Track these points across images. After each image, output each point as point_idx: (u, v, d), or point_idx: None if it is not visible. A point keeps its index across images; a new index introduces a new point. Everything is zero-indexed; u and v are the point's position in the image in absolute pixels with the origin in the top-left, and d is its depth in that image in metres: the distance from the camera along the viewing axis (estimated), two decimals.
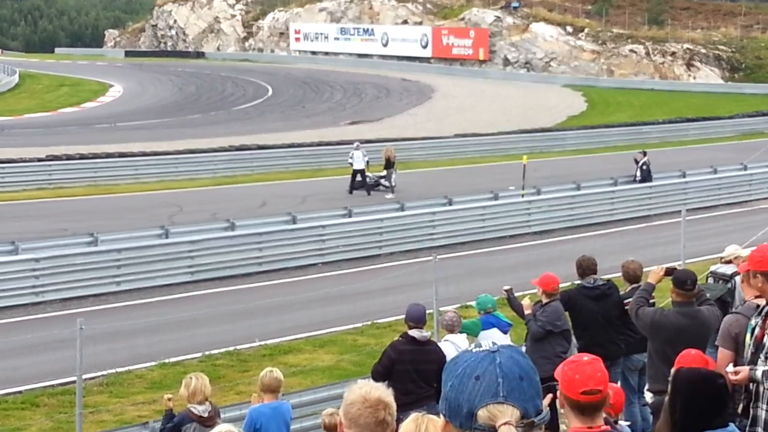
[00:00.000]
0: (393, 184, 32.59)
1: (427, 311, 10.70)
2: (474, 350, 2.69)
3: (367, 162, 32.93)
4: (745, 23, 79.28)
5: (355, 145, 34.15)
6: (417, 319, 9.96)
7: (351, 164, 32.97)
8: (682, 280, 8.58)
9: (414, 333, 9.79)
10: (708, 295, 8.94)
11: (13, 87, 77.32)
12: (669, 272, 8.89)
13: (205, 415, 8.46)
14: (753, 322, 6.11)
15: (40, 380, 15.12)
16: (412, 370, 9.63)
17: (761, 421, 5.90)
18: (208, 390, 8.59)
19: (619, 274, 11.14)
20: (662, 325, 8.48)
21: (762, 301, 6.16)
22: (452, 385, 2.64)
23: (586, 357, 3.77)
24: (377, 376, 9.59)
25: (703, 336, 8.13)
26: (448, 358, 9.42)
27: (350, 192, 32.29)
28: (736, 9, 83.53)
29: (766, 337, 5.94)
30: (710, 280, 10.16)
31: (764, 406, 5.90)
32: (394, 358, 9.74)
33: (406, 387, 9.38)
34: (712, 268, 10.80)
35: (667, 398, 5.12)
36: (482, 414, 2.59)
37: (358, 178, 33.01)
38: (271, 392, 8.86)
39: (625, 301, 10.48)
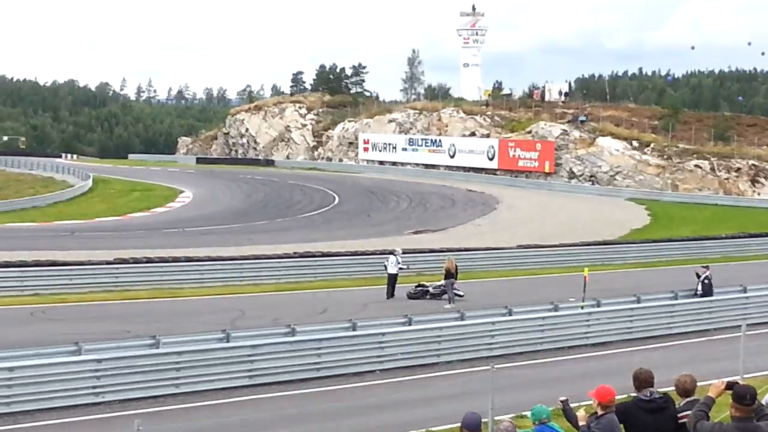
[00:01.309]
0: (460, 294, 32.71)
1: (483, 420, 10.68)
2: None
3: (401, 268, 33.65)
4: None
5: (397, 251, 34.87)
6: (472, 426, 9.92)
7: (385, 267, 33.87)
8: (742, 395, 8.52)
9: None
10: None
11: (86, 191, 79.21)
12: (729, 386, 8.84)
13: None
14: None
15: None
16: None
17: None
18: None
19: None
20: None
21: None
22: None
23: None
24: None
25: None
26: None
27: (388, 298, 33.02)
28: None
29: None
30: None
31: None
32: None
33: None
34: None
35: None
36: None
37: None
38: None
39: (680, 415, 10.38)
